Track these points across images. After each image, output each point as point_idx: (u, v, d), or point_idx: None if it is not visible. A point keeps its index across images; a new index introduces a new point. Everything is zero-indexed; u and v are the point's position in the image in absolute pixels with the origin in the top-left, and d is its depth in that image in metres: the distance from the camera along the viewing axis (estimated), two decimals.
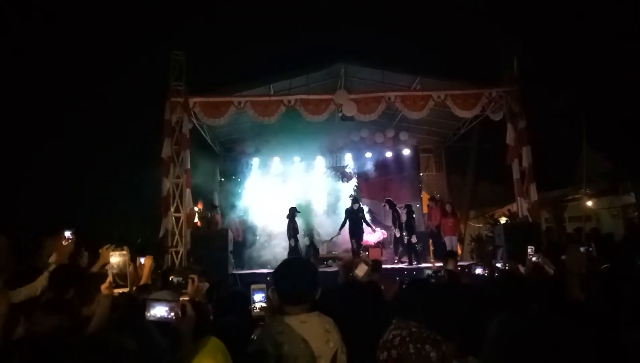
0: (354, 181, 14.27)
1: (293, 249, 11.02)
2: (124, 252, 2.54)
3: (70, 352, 1.19)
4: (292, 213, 11.25)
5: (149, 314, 1.89)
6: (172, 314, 1.89)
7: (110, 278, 2.40)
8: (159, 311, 1.90)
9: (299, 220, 11.46)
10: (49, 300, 2.03)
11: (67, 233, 3.82)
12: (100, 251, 3.16)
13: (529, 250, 5.19)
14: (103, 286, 2.36)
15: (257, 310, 2.39)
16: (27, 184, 13.21)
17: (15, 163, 13.33)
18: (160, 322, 1.88)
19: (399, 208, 12.01)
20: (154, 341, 1.32)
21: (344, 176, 14.36)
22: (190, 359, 1.51)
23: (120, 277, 2.41)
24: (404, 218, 11.67)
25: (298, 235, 11.23)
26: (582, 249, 5.15)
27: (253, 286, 2.43)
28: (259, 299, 2.40)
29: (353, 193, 13.02)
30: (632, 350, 2.18)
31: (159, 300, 1.96)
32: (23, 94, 14.26)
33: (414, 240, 11.23)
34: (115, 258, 2.45)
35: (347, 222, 11.30)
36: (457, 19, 20.56)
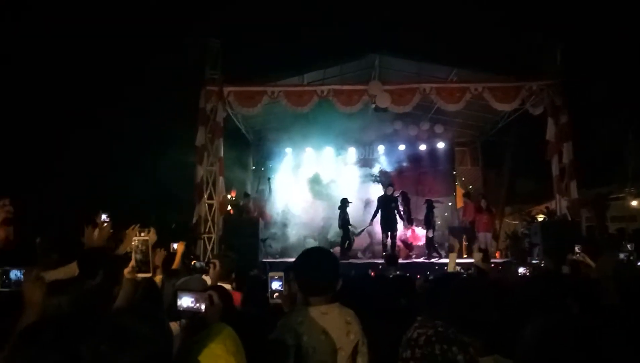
0: (377, 168, 14.14)
1: (343, 239, 11.03)
2: (147, 237, 2.56)
3: (83, 335, 1.21)
4: (344, 204, 11.22)
5: (178, 304, 1.94)
6: (198, 304, 1.93)
7: (133, 262, 2.43)
8: (185, 301, 1.95)
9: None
10: (52, 282, 2.08)
11: (104, 216, 3.90)
12: (126, 232, 3.22)
13: (576, 249, 4.99)
14: (126, 271, 2.40)
15: (274, 298, 2.37)
16: (69, 170, 13.74)
17: (58, 150, 13.89)
18: (189, 311, 1.93)
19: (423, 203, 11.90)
20: (163, 325, 1.33)
21: (366, 164, 14.25)
22: (200, 344, 1.53)
23: (144, 262, 2.44)
24: (422, 212, 11.60)
25: (349, 226, 11.21)
26: (622, 255, 4.93)
27: (271, 274, 2.42)
28: (276, 287, 2.38)
29: (376, 177, 12.81)
30: None
31: (186, 291, 2.00)
32: (59, 83, 14.79)
33: (430, 234, 11.14)
34: (139, 244, 2.48)
35: (380, 212, 10.89)
36: (497, 10, 19.87)
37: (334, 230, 12.25)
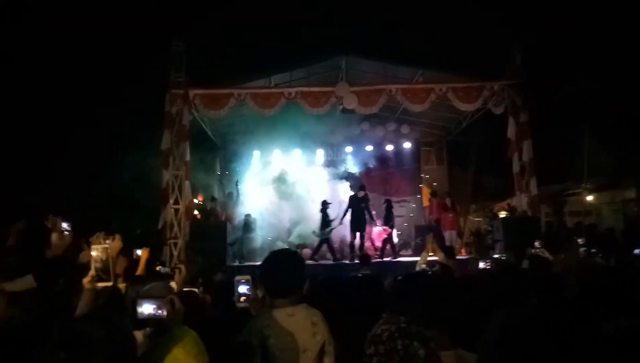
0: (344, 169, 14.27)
1: (322, 241, 11.03)
2: (106, 246, 2.51)
3: (39, 341, 1.18)
4: (324, 205, 11.20)
5: (139, 312, 1.89)
6: (160, 311, 1.89)
7: (92, 272, 2.37)
8: (147, 309, 1.90)
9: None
10: (10, 292, 2.02)
11: (65, 225, 3.78)
12: (90, 239, 3.15)
13: (536, 244, 5.20)
14: (85, 280, 2.34)
15: (241, 302, 2.36)
16: (30, 178, 13.23)
17: (21, 159, 13.36)
18: (151, 319, 1.89)
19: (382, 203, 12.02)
20: (124, 330, 1.31)
21: (334, 165, 14.39)
22: (162, 348, 1.52)
23: (104, 271, 2.38)
24: (381, 212, 11.78)
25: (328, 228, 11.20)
26: (581, 250, 5.17)
27: (237, 278, 2.41)
28: (242, 291, 2.37)
29: (343, 175, 12.96)
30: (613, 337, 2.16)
31: (147, 298, 1.95)
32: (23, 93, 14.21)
33: (385, 234, 11.37)
34: (98, 252, 2.42)
35: (350, 211, 10.89)
36: (459, 11, 20.41)
37: (299, 232, 12.28)
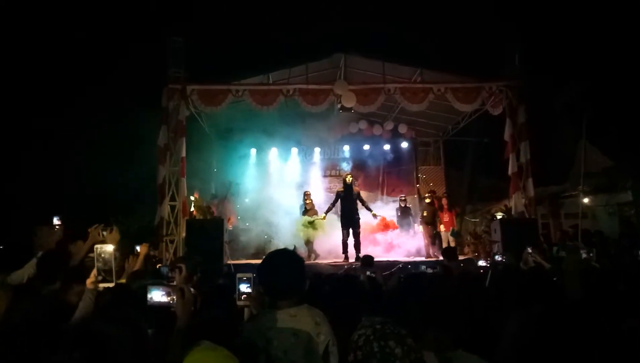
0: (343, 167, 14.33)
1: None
2: (111, 244, 2.46)
3: (55, 341, 1.16)
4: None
5: (148, 298, 1.89)
6: (169, 298, 1.89)
7: (95, 272, 2.33)
8: (156, 295, 1.90)
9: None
10: (27, 287, 1.99)
11: (55, 219, 3.76)
12: (89, 230, 3.11)
13: (528, 249, 5.21)
14: (88, 281, 2.30)
15: (242, 300, 2.33)
16: (24, 173, 13.11)
17: (12, 151, 13.23)
18: (160, 306, 1.88)
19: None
20: (138, 327, 1.29)
21: (331, 164, 14.44)
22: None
23: (106, 272, 2.34)
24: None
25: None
26: (584, 254, 5.19)
27: (239, 275, 2.38)
28: (244, 289, 2.34)
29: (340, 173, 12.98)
30: (629, 337, 2.16)
31: (156, 285, 1.95)
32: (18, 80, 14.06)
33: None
34: (100, 252, 2.38)
35: (339, 203, 10.48)
36: (459, 11, 20.44)
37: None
